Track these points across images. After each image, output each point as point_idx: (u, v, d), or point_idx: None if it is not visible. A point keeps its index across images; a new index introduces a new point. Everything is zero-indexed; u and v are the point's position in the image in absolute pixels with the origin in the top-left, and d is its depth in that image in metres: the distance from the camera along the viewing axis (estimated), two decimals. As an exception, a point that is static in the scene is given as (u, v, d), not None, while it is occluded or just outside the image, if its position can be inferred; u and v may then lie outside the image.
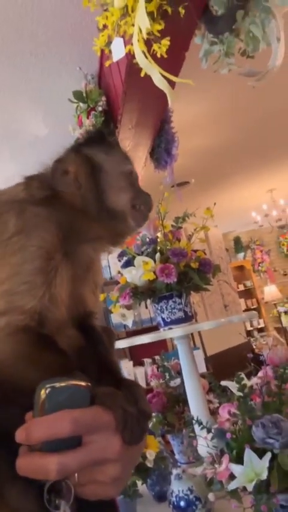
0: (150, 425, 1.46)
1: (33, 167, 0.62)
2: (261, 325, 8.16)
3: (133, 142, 2.47)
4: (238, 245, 8.66)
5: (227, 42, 1.52)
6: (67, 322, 0.57)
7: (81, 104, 2.32)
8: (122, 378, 0.56)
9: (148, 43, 1.22)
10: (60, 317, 0.54)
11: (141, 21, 1.13)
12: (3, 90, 2.44)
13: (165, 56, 1.18)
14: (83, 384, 0.44)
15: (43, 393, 0.42)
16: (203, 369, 3.11)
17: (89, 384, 0.45)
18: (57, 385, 0.43)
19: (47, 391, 0.42)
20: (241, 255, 8.64)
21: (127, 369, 3.16)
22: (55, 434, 0.41)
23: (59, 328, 0.55)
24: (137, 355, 3.38)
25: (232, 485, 0.87)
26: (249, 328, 7.77)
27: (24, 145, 3.10)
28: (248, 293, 8.41)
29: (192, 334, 3.64)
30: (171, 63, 1.60)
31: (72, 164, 0.59)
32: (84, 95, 2.29)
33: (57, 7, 1.97)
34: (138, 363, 3.31)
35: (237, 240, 8.68)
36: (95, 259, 0.62)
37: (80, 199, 0.58)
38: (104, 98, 2.31)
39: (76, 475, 0.43)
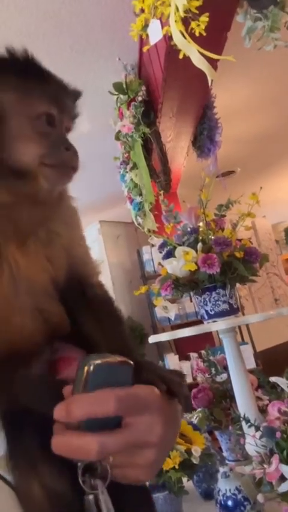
0: (195, 420, 1.42)
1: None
2: (315, 319, 7.76)
3: (175, 132, 2.41)
4: (289, 236, 8.29)
5: (271, 16, 1.44)
6: (45, 297, 0.51)
7: (121, 96, 2.31)
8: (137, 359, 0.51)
9: (186, 23, 1.17)
10: (7, 296, 0.48)
11: (178, -1, 1.08)
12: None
13: (204, 34, 1.12)
14: (127, 361, 0.42)
15: (87, 369, 0.40)
16: (252, 364, 3.01)
17: (131, 361, 0.43)
18: (102, 361, 0.41)
19: (91, 367, 0.40)
20: (292, 246, 8.27)
21: (172, 362, 3.14)
22: (98, 412, 0.39)
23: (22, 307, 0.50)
24: (182, 349, 3.35)
25: (283, 488, 0.83)
26: (301, 323, 7.42)
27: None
28: (300, 286, 8.04)
29: (240, 328, 3.54)
30: (212, 45, 1.52)
31: None
32: (124, 86, 2.27)
33: (94, -2, 1.96)
34: (184, 357, 3.27)
35: None
36: (41, 215, 0.51)
37: None
38: (144, 88, 2.28)
39: (111, 456, 0.41)
